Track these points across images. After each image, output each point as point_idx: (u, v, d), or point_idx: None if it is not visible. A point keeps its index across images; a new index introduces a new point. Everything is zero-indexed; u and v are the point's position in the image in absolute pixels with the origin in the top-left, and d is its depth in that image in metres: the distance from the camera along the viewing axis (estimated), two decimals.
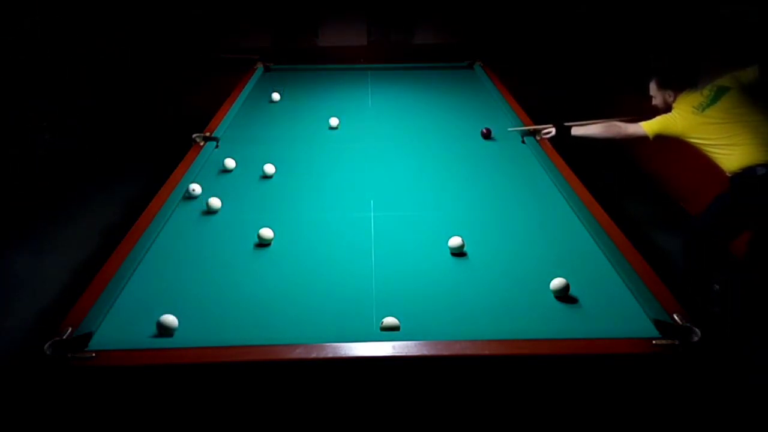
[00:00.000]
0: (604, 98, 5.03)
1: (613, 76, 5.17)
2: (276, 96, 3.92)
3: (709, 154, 2.74)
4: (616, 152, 4.56)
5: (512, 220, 2.45)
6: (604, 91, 5.19)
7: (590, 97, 5.28)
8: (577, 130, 3.13)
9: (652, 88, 2.92)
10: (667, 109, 2.87)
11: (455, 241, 2.18)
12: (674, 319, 1.73)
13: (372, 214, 2.50)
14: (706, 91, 2.76)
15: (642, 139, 2.87)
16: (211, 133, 3.23)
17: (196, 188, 2.63)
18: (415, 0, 5.81)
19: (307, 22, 5.89)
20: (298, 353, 1.62)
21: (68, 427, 1.64)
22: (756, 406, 2.34)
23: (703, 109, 2.71)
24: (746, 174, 2.63)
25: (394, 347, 1.64)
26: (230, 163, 2.91)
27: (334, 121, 3.46)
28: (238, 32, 5.81)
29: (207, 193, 2.61)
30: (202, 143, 3.11)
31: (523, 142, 3.21)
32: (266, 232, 2.26)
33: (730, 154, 2.66)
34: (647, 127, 2.83)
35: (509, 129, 3.35)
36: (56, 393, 1.62)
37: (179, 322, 1.78)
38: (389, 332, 1.74)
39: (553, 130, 3.20)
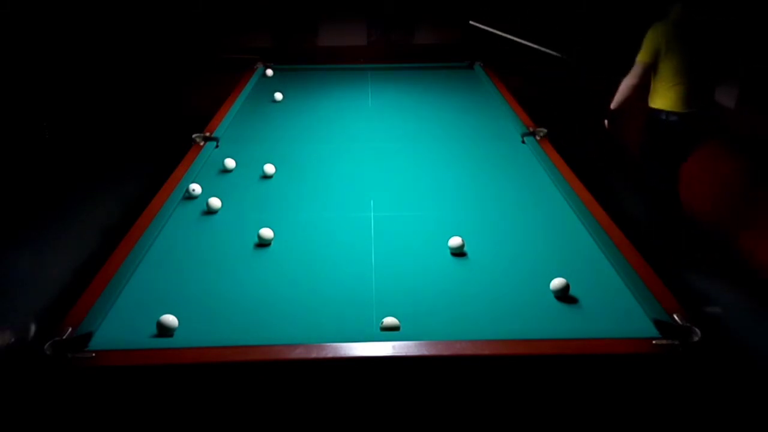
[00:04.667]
0: (604, 97, 5.03)
1: (614, 74, 5.16)
2: (278, 96, 3.92)
3: (655, 86, 3.21)
4: (616, 152, 4.56)
5: (512, 220, 2.45)
6: (605, 90, 5.18)
7: (590, 96, 5.28)
8: (613, 105, 3.40)
9: None
10: None
11: (455, 241, 2.18)
12: (674, 319, 1.73)
13: (372, 214, 2.50)
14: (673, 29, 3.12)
15: (644, 73, 3.18)
16: (211, 133, 3.23)
17: (196, 188, 2.63)
18: (415, 0, 5.82)
19: (306, 22, 5.89)
20: (298, 353, 1.62)
21: (68, 427, 1.64)
22: (756, 406, 2.35)
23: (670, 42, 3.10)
24: (655, 113, 3.22)
25: (394, 347, 1.64)
26: (230, 163, 2.91)
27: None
28: (238, 32, 5.81)
29: (207, 193, 2.61)
30: (202, 143, 3.11)
31: (523, 142, 3.21)
32: (266, 232, 2.26)
33: (665, 90, 3.15)
34: (638, 57, 3.18)
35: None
36: (56, 393, 1.62)
37: (179, 322, 1.78)
38: (389, 332, 1.74)
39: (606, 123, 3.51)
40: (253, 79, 4.28)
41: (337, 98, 4.01)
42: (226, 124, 3.45)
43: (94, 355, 1.62)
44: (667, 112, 3.19)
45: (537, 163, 2.97)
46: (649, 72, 3.21)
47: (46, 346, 1.62)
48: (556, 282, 1.94)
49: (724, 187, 3.74)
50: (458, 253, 2.19)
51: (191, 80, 5.62)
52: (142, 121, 5.40)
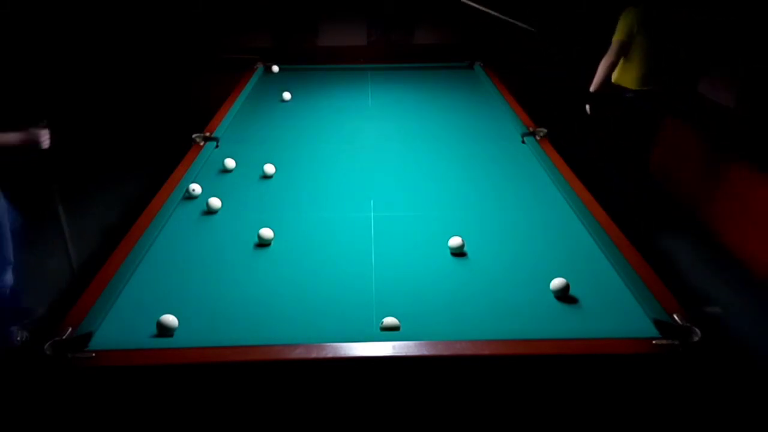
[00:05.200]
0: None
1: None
2: (287, 95, 3.93)
3: (621, 64, 3.55)
4: (615, 151, 4.56)
5: (512, 220, 2.45)
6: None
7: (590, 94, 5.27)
8: (593, 87, 3.64)
9: None
10: None
11: (455, 241, 2.18)
12: (674, 319, 1.74)
13: (372, 214, 2.50)
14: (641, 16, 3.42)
15: (620, 51, 3.49)
16: (211, 133, 3.23)
17: (196, 188, 2.63)
18: (415, 0, 5.81)
19: (306, 22, 5.88)
20: (298, 353, 1.62)
21: (68, 427, 1.64)
22: (756, 406, 2.35)
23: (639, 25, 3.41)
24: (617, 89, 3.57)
25: (394, 347, 1.64)
26: (230, 163, 2.91)
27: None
28: (238, 32, 5.80)
29: (207, 193, 2.61)
30: (202, 143, 3.11)
31: (523, 142, 3.21)
32: (266, 232, 2.26)
33: (626, 70, 3.53)
34: (614, 37, 3.49)
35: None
36: (56, 393, 1.62)
37: (179, 322, 1.78)
38: (389, 332, 1.74)
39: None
40: (253, 79, 4.28)
41: (337, 98, 4.01)
42: (226, 124, 3.45)
43: (94, 355, 1.62)
44: (624, 89, 3.59)
45: (537, 163, 2.97)
46: (625, 50, 3.50)
47: (46, 346, 1.62)
48: (556, 282, 1.94)
49: (724, 186, 3.74)
50: (458, 253, 2.19)
51: (191, 80, 5.61)
52: (142, 121, 5.39)
